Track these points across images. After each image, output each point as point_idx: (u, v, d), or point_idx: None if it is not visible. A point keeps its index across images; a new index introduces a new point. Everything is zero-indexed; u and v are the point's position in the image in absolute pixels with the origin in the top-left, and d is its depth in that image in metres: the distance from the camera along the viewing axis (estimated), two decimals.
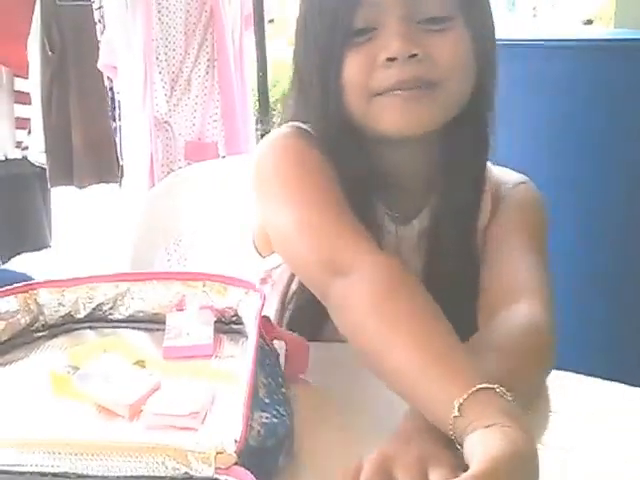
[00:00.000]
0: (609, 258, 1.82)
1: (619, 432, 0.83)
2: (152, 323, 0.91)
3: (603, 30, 2.09)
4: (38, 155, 3.34)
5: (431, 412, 0.71)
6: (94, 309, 0.91)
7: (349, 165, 1.00)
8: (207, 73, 2.93)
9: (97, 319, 0.92)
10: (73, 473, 0.60)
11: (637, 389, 0.90)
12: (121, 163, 3.17)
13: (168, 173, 2.82)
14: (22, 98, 3.38)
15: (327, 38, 0.96)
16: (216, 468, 0.59)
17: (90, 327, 0.91)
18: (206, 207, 1.63)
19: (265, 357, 0.79)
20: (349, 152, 1.00)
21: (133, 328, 0.91)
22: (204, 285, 0.89)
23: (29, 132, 3.38)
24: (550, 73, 1.81)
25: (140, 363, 0.81)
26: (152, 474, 0.60)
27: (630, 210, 1.80)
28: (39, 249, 3.48)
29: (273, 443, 0.68)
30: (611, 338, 1.83)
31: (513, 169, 1.15)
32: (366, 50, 0.95)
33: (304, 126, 1.05)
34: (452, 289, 1.00)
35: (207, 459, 0.60)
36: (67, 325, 0.91)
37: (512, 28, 2.21)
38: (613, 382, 0.92)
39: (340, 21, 0.95)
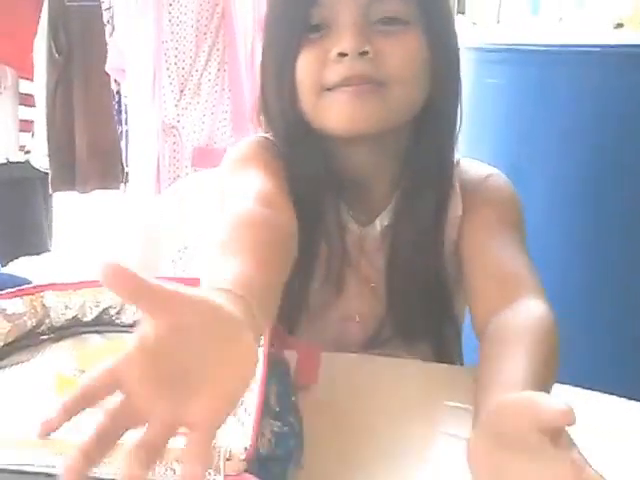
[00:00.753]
0: (617, 262, 1.78)
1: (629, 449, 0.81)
2: None
3: (634, 35, 2.05)
4: (41, 159, 3.29)
5: None
6: (101, 313, 0.91)
7: (307, 165, 1.04)
8: (217, 77, 2.89)
9: (104, 323, 0.91)
10: None
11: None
12: (126, 169, 3.13)
13: (175, 179, 2.79)
14: (27, 100, 3.35)
15: (283, 35, 1.01)
16: (225, 475, 0.58)
17: (97, 331, 0.90)
18: (212, 214, 1.60)
19: (275, 366, 0.77)
20: (306, 151, 1.04)
21: None
22: None
23: (33, 135, 3.33)
24: (571, 80, 1.77)
25: None
26: (160, 478, 0.59)
27: None
28: (38, 253, 3.45)
29: (283, 452, 0.67)
30: (617, 343, 1.79)
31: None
32: (319, 46, 0.98)
33: (267, 135, 1.13)
34: (414, 287, 1.05)
35: (216, 465, 0.59)
36: (74, 328, 0.90)
37: (536, 32, 2.17)
38: (620, 398, 0.92)
39: (295, 18, 0.98)
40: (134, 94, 2.94)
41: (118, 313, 0.91)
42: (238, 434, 0.63)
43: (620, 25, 2.02)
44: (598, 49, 1.77)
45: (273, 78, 1.04)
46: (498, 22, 2.76)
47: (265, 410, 0.67)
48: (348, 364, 0.96)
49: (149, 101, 2.85)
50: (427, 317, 1.07)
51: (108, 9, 3.01)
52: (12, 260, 3.30)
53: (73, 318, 0.89)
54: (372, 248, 1.09)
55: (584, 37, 1.93)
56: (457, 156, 1.11)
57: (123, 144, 3.10)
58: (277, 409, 0.71)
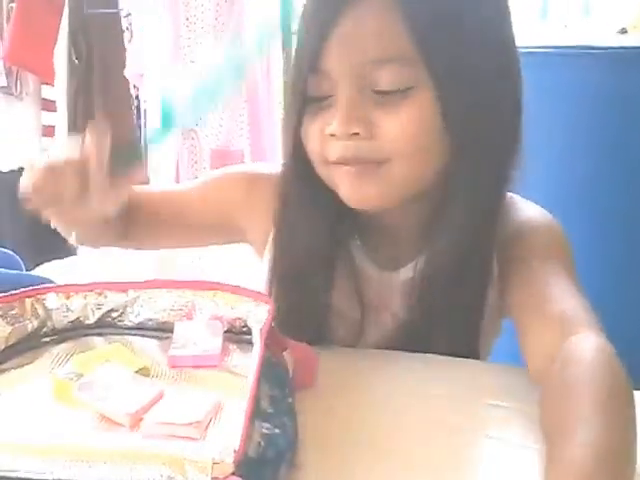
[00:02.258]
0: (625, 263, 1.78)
1: None
2: (161, 331, 0.89)
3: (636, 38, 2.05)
4: None
5: None
6: (103, 315, 0.90)
7: (324, 213, 1.00)
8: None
9: (106, 325, 0.91)
10: None
11: None
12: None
13: None
14: (49, 106, 3.39)
15: (289, 102, 0.97)
16: (213, 478, 0.58)
17: (99, 333, 0.90)
18: None
19: (271, 368, 0.77)
20: (323, 202, 0.99)
21: (142, 336, 0.89)
22: (214, 295, 0.88)
23: (54, 140, 3.38)
24: (574, 81, 1.77)
25: (144, 371, 0.79)
26: None
27: None
28: (64, 257, 3.47)
29: (273, 454, 0.66)
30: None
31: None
32: (320, 119, 0.93)
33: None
34: (431, 341, 0.99)
35: (204, 468, 0.59)
36: (76, 331, 0.90)
37: (543, 37, 2.17)
38: None
39: (296, 88, 0.94)
40: (153, 99, 2.98)
41: (120, 316, 0.90)
42: (227, 437, 0.63)
43: (624, 31, 2.02)
44: (601, 51, 1.77)
45: (284, 136, 1.02)
46: None
47: (256, 412, 0.67)
48: (347, 359, 0.95)
49: None
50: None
51: (127, 16, 3.05)
52: (38, 264, 3.33)
53: (75, 320, 0.89)
54: (394, 296, 1.03)
55: (588, 40, 1.92)
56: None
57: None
58: (269, 411, 0.70)
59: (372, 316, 1.04)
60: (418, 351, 0.98)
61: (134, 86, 3.14)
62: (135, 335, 0.89)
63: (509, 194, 1.02)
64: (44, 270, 3.26)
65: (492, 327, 1.04)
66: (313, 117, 0.93)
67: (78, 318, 0.89)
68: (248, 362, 0.80)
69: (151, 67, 2.95)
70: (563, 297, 0.88)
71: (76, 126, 3.28)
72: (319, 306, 1.01)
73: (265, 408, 0.70)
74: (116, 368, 0.77)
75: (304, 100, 0.93)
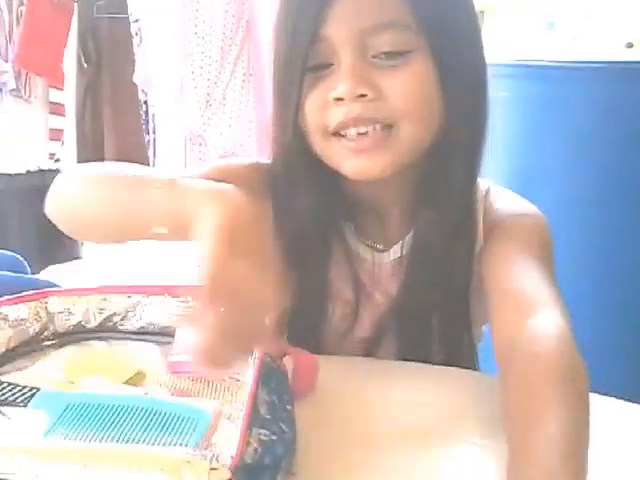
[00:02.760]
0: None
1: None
2: (163, 336, 0.89)
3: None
4: (69, 167, 3.33)
5: None
6: (105, 319, 0.90)
7: (311, 194, 0.99)
8: (242, 87, 2.92)
9: (107, 330, 0.90)
10: None
11: None
12: None
13: None
14: (57, 109, 3.40)
15: (285, 74, 0.96)
16: None
17: (100, 337, 0.90)
18: None
19: (270, 374, 0.77)
20: (314, 184, 0.99)
21: (144, 340, 0.89)
22: None
23: (62, 143, 3.39)
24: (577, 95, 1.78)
25: (139, 376, 0.79)
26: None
27: None
28: (70, 260, 3.49)
29: (270, 461, 0.66)
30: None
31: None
32: (321, 87, 0.93)
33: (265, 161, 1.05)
34: (424, 318, 1.02)
35: (200, 475, 0.58)
36: (77, 335, 0.90)
37: (551, 50, 2.18)
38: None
39: (295, 57, 0.93)
40: (161, 104, 2.99)
41: (122, 320, 0.90)
42: (225, 443, 0.64)
43: (630, 45, 2.04)
44: (608, 66, 1.78)
45: (280, 112, 0.99)
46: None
47: (253, 418, 0.67)
48: (347, 367, 0.96)
49: (176, 111, 2.89)
50: (442, 340, 1.04)
51: (136, 21, 3.06)
52: (44, 267, 3.34)
53: (77, 324, 0.89)
54: (386, 276, 1.05)
55: (595, 54, 1.93)
56: (486, 184, 1.06)
57: (150, 152, 3.14)
58: (267, 417, 0.70)
59: (366, 297, 1.05)
60: (411, 333, 1.03)
61: (142, 91, 3.15)
62: (136, 340, 0.89)
63: (499, 186, 1.07)
64: (50, 273, 3.27)
65: (479, 307, 1.03)
66: (311, 88, 0.94)
67: (80, 322, 0.89)
68: (246, 367, 0.79)
69: (159, 72, 2.96)
70: (530, 281, 0.91)
71: (84, 130, 3.30)
72: (318, 289, 1.02)
73: (263, 414, 0.70)
74: (103, 381, 0.77)
75: (303, 70, 0.93)
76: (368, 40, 0.91)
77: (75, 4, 3.27)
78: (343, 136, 0.93)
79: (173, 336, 0.86)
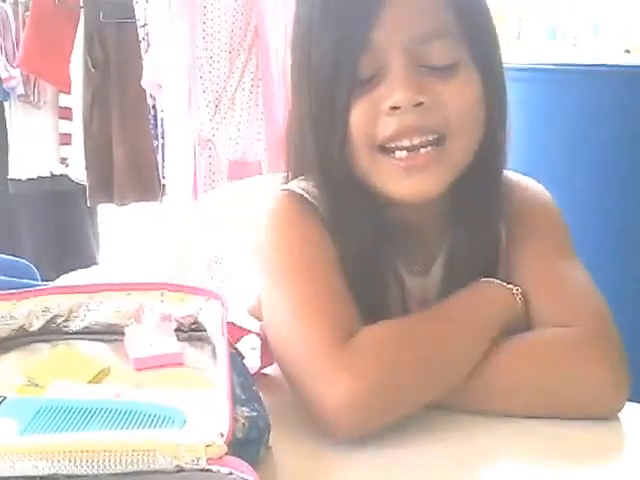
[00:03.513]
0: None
1: None
2: (108, 334, 0.89)
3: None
4: (79, 171, 3.35)
5: None
6: (47, 322, 0.88)
7: (360, 221, 0.95)
8: (251, 92, 2.92)
9: (51, 332, 0.89)
10: (63, 474, 0.60)
11: None
12: (163, 182, 3.18)
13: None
14: (67, 114, 3.41)
15: (331, 87, 0.90)
16: (208, 459, 0.60)
17: (44, 340, 0.88)
18: (246, 224, 1.62)
19: (234, 358, 0.81)
20: (359, 207, 0.95)
21: (89, 340, 0.88)
22: (162, 295, 0.88)
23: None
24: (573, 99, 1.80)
25: (103, 373, 0.80)
26: (144, 469, 0.60)
27: None
28: (87, 266, 3.48)
29: (256, 434, 0.72)
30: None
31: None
32: (370, 98, 0.89)
33: (300, 190, 0.99)
34: None
35: (198, 451, 0.61)
36: (20, 339, 0.88)
37: (552, 56, 2.20)
38: None
39: (344, 69, 0.89)
40: (170, 109, 3.00)
41: (66, 321, 0.88)
42: (210, 424, 0.65)
43: (628, 51, 2.09)
44: (605, 69, 1.79)
45: (322, 132, 0.92)
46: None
47: (234, 398, 0.70)
48: None
49: (184, 115, 2.90)
50: None
51: (143, 26, 3.07)
52: (62, 273, 3.33)
53: (20, 328, 0.87)
54: (432, 298, 1.01)
55: (593, 59, 1.96)
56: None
57: (159, 158, 3.15)
58: (243, 397, 0.74)
59: None
60: None
61: (151, 96, 3.15)
62: (82, 339, 0.88)
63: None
64: (67, 280, 3.27)
65: None
66: (357, 99, 0.89)
67: (22, 326, 0.87)
68: (202, 357, 0.83)
69: (167, 77, 2.97)
70: (574, 281, 0.95)
71: (92, 135, 3.30)
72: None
73: (239, 394, 0.74)
74: (69, 382, 0.77)
75: (353, 79, 0.89)
76: (419, 47, 0.89)
77: (81, 9, 3.28)
78: (392, 152, 0.89)
79: (120, 334, 0.87)
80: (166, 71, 2.96)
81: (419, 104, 0.87)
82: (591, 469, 0.78)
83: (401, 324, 0.87)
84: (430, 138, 0.89)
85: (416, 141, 0.88)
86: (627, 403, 0.85)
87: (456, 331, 0.87)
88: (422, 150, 0.89)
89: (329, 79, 0.90)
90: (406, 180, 0.90)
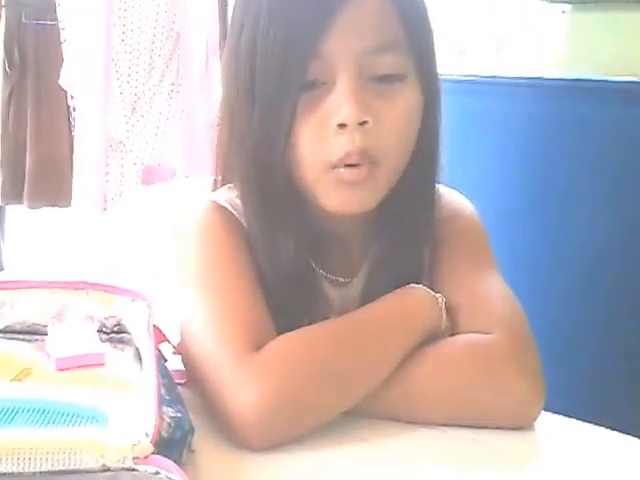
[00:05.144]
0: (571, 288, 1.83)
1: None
2: (30, 334, 0.87)
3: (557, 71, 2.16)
4: None
5: None
6: None
7: (287, 233, 0.94)
8: (170, 97, 2.91)
9: None
10: None
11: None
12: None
13: (120, 195, 2.80)
14: None
15: (277, 95, 0.88)
16: (134, 458, 0.60)
17: None
18: (160, 231, 1.60)
19: (158, 360, 0.80)
20: (287, 219, 0.94)
21: (11, 339, 0.86)
22: (87, 294, 0.87)
23: None
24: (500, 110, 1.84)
25: (23, 373, 0.78)
26: (70, 467, 0.59)
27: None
28: None
29: (180, 435, 0.71)
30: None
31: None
32: (317, 112, 0.88)
33: (224, 203, 0.99)
34: None
35: (124, 450, 0.60)
36: None
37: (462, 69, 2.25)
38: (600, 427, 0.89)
39: (290, 74, 0.87)
40: (84, 109, 2.96)
41: None
42: (135, 425, 0.65)
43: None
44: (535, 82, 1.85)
45: (263, 141, 0.91)
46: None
47: (159, 398, 0.70)
48: None
49: (97, 117, 2.88)
50: None
51: (64, 29, 3.02)
52: None
53: None
54: (354, 308, 0.97)
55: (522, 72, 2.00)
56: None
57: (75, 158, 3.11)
58: (167, 397, 0.74)
59: None
60: None
61: (72, 97, 3.11)
62: (3, 338, 0.86)
63: None
64: None
65: None
66: (305, 109, 0.88)
67: None
68: (124, 358, 0.82)
69: (83, 77, 2.93)
70: (491, 289, 0.96)
71: (7, 134, 3.25)
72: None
73: (164, 395, 0.73)
74: None
75: (299, 88, 0.87)
76: (368, 60, 0.88)
77: (3, 8, 3.23)
78: (333, 168, 0.89)
79: (42, 333, 0.85)
80: (82, 71, 2.92)
81: (363, 123, 0.87)
82: (507, 475, 0.80)
83: (314, 331, 0.87)
84: (367, 168, 0.89)
85: (357, 160, 0.88)
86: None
87: (371, 338, 0.87)
88: (358, 167, 0.89)
89: (276, 86, 0.88)
90: (342, 193, 0.90)
